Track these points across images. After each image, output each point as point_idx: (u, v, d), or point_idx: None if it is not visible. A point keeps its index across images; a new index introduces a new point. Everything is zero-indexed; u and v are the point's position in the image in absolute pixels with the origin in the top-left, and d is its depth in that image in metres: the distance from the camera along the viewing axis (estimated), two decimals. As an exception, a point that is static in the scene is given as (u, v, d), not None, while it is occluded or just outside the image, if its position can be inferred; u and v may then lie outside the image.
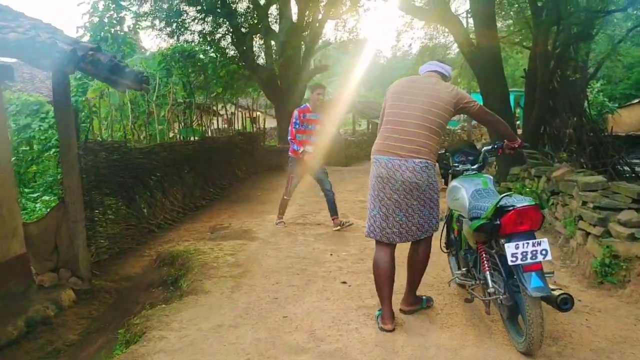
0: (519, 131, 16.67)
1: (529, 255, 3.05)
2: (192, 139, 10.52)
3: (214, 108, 17.40)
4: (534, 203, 3.14)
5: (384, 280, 3.68)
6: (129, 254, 6.58)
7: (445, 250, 4.49)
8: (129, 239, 6.92)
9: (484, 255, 3.46)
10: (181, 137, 10.51)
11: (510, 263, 3.06)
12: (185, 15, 17.10)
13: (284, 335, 3.59)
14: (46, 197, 8.33)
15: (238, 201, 10.19)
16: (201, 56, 13.52)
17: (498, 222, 3.14)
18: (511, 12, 19.25)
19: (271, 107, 20.75)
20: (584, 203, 5.25)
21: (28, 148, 9.74)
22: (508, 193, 3.34)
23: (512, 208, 3.12)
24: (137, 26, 11.99)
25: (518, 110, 26.15)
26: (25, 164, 9.40)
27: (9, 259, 4.77)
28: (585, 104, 18.26)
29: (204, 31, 17.56)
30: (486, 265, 3.42)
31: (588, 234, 4.98)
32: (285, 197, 7.14)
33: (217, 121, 16.02)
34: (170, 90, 10.43)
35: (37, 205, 8.02)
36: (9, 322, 4.30)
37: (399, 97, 3.69)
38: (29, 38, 3.78)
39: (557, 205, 6.24)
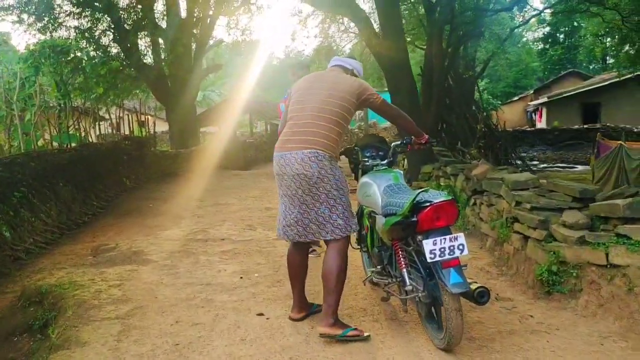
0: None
1: (447, 251, 3.00)
2: (68, 146, 9.12)
3: (97, 111, 15.86)
4: (450, 198, 3.10)
5: (293, 277, 3.68)
6: (-14, 291, 5.28)
7: (355, 247, 4.31)
8: (-15, 271, 5.59)
9: (400, 252, 3.36)
10: (52, 145, 9.08)
11: (429, 260, 3.00)
12: (59, 9, 15.43)
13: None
14: None
15: (127, 215, 8.96)
16: (78, 53, 11.89)
17: (415, 218, 3.06)
18: (404, 11, 19.37)
19: (162, 110, 19.32)
20: (518, 203, 4.81)
21: None
22: (424, 189, 3.25)
23: (428, 204, 3.05)
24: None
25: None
26: None
27: None
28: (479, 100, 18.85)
29: (82, 27, 15.98)
30: (402, 262, 3.33)
31: (527, 237, 4.53)
32: None
33: (101, 126, 14.52)
34: (36, 90, 8.96)
35: None
36: None
37: (300, 94, 3.57)
38: None
39: (481, 205, 5.82)
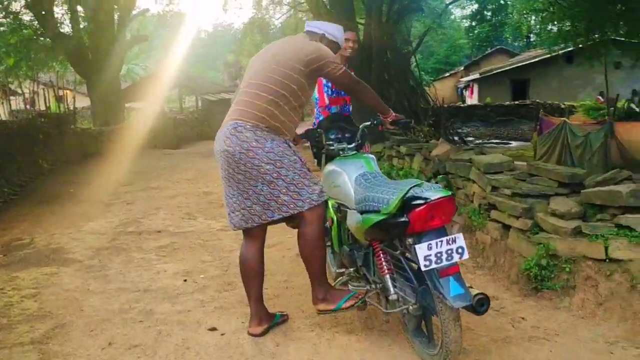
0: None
1: (444, 256, 2.48)
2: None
3: (9, 85, 14.36)
4: (448, 194, 2.54)
5: (247, 277, 3.10)
6: None
7: None
8: None
9: (382, 255, 2.83)
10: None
11: (423, 268, 2.47)
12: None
13: None
14: None
15: (44, 202, 7.94)
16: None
17: (405, 218, 2.50)
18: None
19: (82, 84, 17.81)
20: (495, 188, 4.37)
21: None
22: (417, 182, 2.63)
23: (422, 202, 2.48)
24: None
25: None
26: None
27: None
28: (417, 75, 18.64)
29: None
30: (385, 267, 2.80)
31: (507, 226, 4.10)
32: None
33: (12, 101, 13.12)
34: None
35: None
36: None
37: (250, 65, 3.13)
38: None
39: (445, 188, 5.37)
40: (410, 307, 2.69)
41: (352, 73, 3.15)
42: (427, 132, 11.40)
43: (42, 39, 15.62)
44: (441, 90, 31.56)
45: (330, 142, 3.40)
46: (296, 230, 3.03)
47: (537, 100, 24.09)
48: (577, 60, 21.05)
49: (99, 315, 3.46)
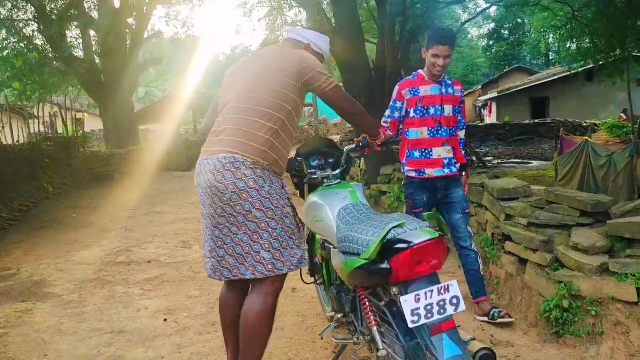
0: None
1: (436, 309, 2.05)
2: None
3: (27, 109, 14.33)
4: (436, 235, 2.09)
5: (225, 328, 2.68)
6: None
7: (308, 281, 3.39)
8: None
9: (367, 304, 2.41)
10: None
11: (410, 325, 2.05)
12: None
13: None
14: None
15: (43, 228, 7.70)
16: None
17: (387, 265, 2.07)
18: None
19: (95, 107, 17.78)
20: (509, 217, 3.96)
21: None
22: (398, 221, 2.16)
23: (406, 246, 2.04)
24: None
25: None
26: None
27: None
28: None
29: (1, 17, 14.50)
30: (372, 318, 2.36)
31: (524, 260, 3.67)
32: None
33: (31, 125, 13.01)
34: None
35: None
36: None
37: (229, 79, 2.69)
38: None
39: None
40: None
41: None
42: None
43: (54, 62, 15.60)
44: (459, 109, 31.25)
45: (312, 170, 3.01)
46: None
47: (558, 119, 23.49)
48: (597, 77, 20.50)
49: (64, 362, 3.11)
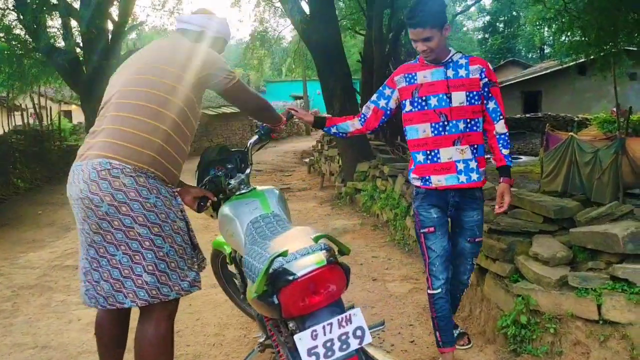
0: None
1: (337, 345, 1.76)
2: None
3: (10, 100, 14.03)
4: (323, 263, 1.80)
5: (100, 348, 2.31)
6: None
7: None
8: None
9: (274, 336, 2.18)
10: None
11: None
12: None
13: None
14: None
15: (7, 224, 7.43)
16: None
17: (275, 300, 1.79)
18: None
19: (77, 99, 17.40)
20: (471, 222, 3.67)
21: None
22: (280, 251, 1.79)
23: (291, 278, 1.76)
24: None
25: (359, 98, 25.66)
26: None
27: None
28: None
29: None
30: (283, 355, 2.04)
31: (484, 270, 3.39)
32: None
33: (17, 117, 12.72)
34: None
35: None
36: None
37: (114, 76, 2.31)
38: None
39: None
40: None
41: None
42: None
43: (34, 54, 15.24)
44: (451, 103, 31.01)
45: (229, 182, 2.61)
46: None
47: (549, 113, 23.24)
48: (589, 71, 20.24)
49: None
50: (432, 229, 2.67)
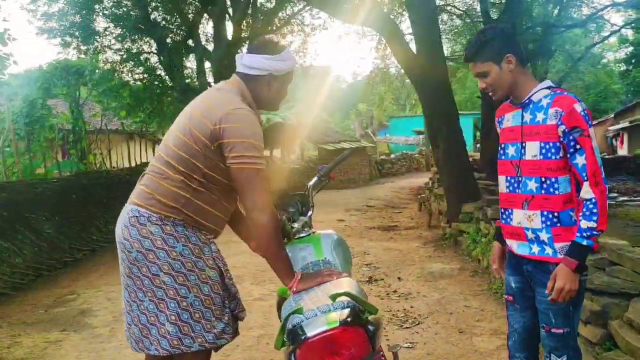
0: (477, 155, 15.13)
1: None
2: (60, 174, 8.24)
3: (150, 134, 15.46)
4: (336, 325, 1.67)
5: None
6: None
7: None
8: None
9: None
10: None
11: None
12: (107, 32, 15.39)
13: None
14: None
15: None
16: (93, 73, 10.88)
17: (293, 358, 1.70)
18: (463, 29, 17.94)
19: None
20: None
21: None
22: (295, 307, 1.78)
23: (303, 337, 1.67)
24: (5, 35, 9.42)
25: (478, 134, 24.84)
26: None
27: None
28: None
29: (131, 49, 15.95)
30: None
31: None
32: None
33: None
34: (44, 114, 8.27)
35: None
36: None
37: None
38: None
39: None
40: None
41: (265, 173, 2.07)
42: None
43: (172, 92, 16.69)
44: (587, 139, 28.86)
45: (291, 226, 2.53)
46: None
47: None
48: None
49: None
50: (510, 297, 2.27)
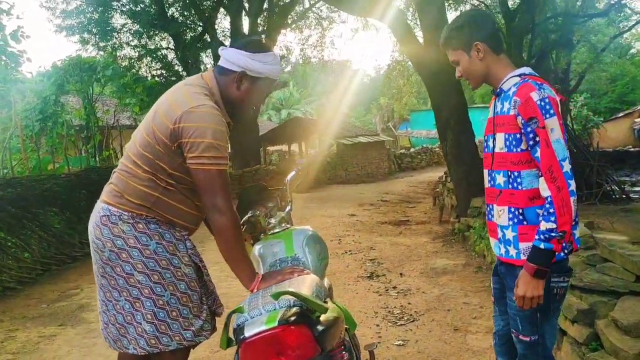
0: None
1: None
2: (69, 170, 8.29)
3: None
4: (274, 324, 1.60)
5: None
6: None
7: None
8: None
9: None
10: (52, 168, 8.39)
11: None
12: (124, 29, 15.55)
13: None
14: None
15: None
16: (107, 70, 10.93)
17: (237, 358, 1.72)
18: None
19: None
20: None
21: None
22: (239, 303, 1.79)
23: (242, 337, 1.63)
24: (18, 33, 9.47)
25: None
26: None
27: None
28: (568, 119, 16.62)
29: (147, 46, 16.11)
30: None
31: (563, 332, 2.93)
32: None
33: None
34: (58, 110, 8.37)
35: None
36: None
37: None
38: None
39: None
40: None
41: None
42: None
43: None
44: (613, 132, 28.23)
45: (268, 222, 2.53)
46: None
47: None
48: None
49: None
50: (493, 298, 2.17)
